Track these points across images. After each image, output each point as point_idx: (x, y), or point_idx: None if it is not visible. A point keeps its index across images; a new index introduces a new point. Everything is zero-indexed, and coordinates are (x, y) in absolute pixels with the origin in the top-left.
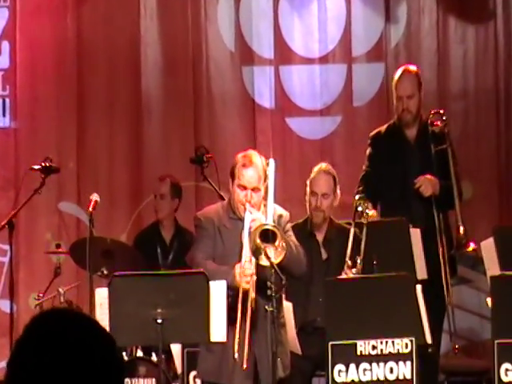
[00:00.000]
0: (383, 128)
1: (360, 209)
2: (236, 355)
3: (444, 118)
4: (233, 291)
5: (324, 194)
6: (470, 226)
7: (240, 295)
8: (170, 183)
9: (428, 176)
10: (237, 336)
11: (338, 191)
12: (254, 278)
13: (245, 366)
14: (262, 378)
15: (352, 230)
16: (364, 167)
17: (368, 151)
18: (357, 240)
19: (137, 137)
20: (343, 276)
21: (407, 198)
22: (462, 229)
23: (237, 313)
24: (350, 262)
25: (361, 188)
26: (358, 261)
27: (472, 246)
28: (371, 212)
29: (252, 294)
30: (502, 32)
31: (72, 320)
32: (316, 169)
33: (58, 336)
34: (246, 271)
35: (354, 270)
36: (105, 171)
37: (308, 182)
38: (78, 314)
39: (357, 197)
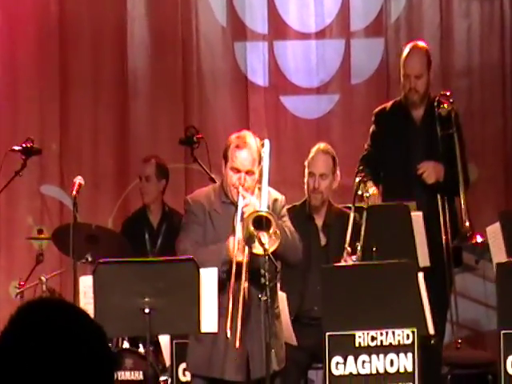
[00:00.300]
0: (388, 105)
1: (360, 192)
2: (228, 333)
3: (451, 101)
4: (226, 267)
5: (322, 174)
6: (475, 211)
7: (233, 269)
8: (156, 164)
9: (432, 162)
10: (229, 314)
11: (338, 172)
12: (247, 258)
13: (237, 344)
14: (255, 371)
15: (352, 215)
16: (366, 146)
17: (371, 128)
18: (356, 225)
19: (123, 117)
20: (342, 263)
21: (409, 182)
22: (467, 223)
23: (229, 290)
24: (349, 249)
25: (361, 167)
26: (358, 247)
27: (479, 238)
28: (372, 190)
29: (245, 284)
30: (508, 4)
31: (60, 310)
32: (314, 149)
33: (45, 327)
34: (239, 246)
35: (353, 258)
36: (89, 153)
37: (306, 163)
38: (66, 304)
39: (357, 179)
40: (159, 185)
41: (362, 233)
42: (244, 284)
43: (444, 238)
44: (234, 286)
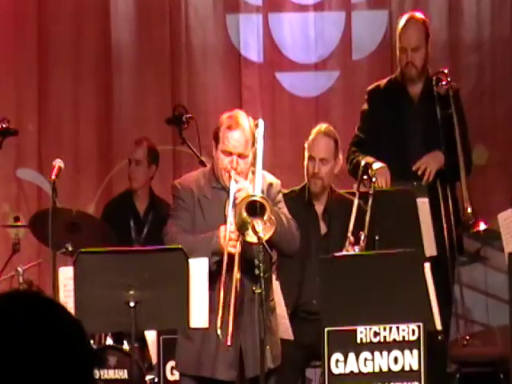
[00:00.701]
0: (383, 82)
1: (365, 177)
2: (219, 331)
3: (449, 79)
4: (217, 258)
5: (323, 159)
6: (485, 196)
7: (225, 261)
8: (147, 147)
9: (429, 155)
10: (220, 308)
11: (341, 156)
12: (239, 248)
13: (229, 343)
14: (248, 369)
15: (356, 201)
16: (356, 128)
17: (363, 107)
18: (361, 213)
19: (106, 95)
20: (343, 253)
21: (406, 166)
22: (469, 209)
23: (221, 282)
24: (352, 238)
25: (355, 152)
26: (362, 237)
27: (482, 225)
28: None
29: (237, 275)
30: None
31: (36, 304)
32: (315, 130)
33: (19, 322)
34: (231, 236)
35: (356, 248)
36: (70, 134)
37: (306, 145)
38: (43, 297)
39: (362, 162)
40: (149, 171)
41: (367, 221)
42: (236, 275)
43: (446, 226)
44: (225, 278)
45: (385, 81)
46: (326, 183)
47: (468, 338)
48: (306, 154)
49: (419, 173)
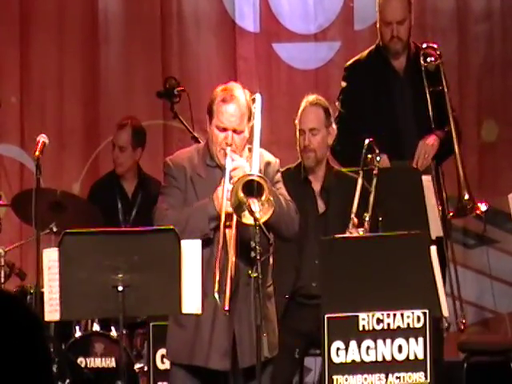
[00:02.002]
0: (362, 56)
1: (370, 155)
2: (216, 295)
3: (439, 53)
4: (216, 224)
5: (312, 129)
6: (494, 174)
7: (222, 222)
8: (132, 130)
9: (423, 144)
10: (217, 273)
11: (334, 126)
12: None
13: (226, 307)
14: (243, 358)
15: (360, 181)
16: (338, 106)
17: (343, 86)
18: (363, 193)
19: (92, 66)
20: (345, 235)
21: (397, 139)
22: (466, 196)
23: (218, 246)
24: (356, 220)
25: (339, 142)
26: (366, 218)
27: (483, 206)
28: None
29: (232, 259)
30: None
31: None
32: (303, 102)
33: None
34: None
35: (360, 231)
36: (54, 107)
37: (296, 121)
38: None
39: (366, 141)
40: (134, 154)
41: (371, 201)
42: (232, 258)
43: (440, 207)
44: (223, 242)
45: (364, 54)
46: (320, 155)
47: (464, 321)
48: (297, 129)
49: (419, 163)
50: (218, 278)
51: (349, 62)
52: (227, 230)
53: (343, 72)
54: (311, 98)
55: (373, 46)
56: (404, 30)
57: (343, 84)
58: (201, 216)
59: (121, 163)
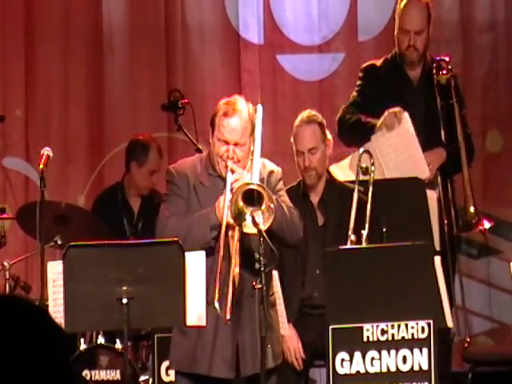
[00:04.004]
0: (378, 62)
1: (364, 165)
2: (217, 304)
3: (450, 67)
4: (217, 233)
5: (311, 149)
6: (499, 184)
7: (222, 233)
8: (157, 149)
9: (431, 154)
10: (217, 281)
11: (330, 136)
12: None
13: (228, 316)
14: (246, 368)
15: (355, 194)
16: (353, 95)
17: (359, 83)
18: (361, 204)
19: (97, 79)
20: (349, 246)
21: None
22: (472, 209)
23: (219, 256)
24: (353, 237)
25: (349, 112)
26: (364, 235)
27: (486, 224)
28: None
29: (235, 270)
30: None
31: (10, 307)
32: (297, 122)
33: None
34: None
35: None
36: (58, 120)
37: (292, 140)
38: (19, 299)
39: (361, 150)
40: None
41: (368, 211)
42: (234, 269)
43: (446, 221)
44: (223, 251)
45: (380, 61)
46: (321, 171)
47: (468, 340)
48: (294, 149)
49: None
50: (218, 287)
51: (365, 64)
52: (230, 240)
53: (359, 72)
54: (305, 115)
55: (389, 54)
56: (421, 40)
57: (360, 83)
58: (202, 225)
59: (148, 186)
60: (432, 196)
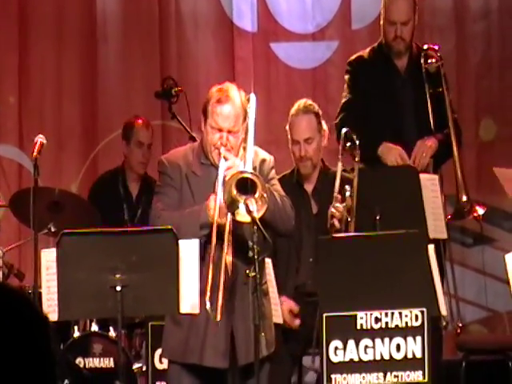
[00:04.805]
0: (365, 52)
1: (348, 144)
2: (208, 304)
3: (439, 55)
4: (206, 232)
5: (307, 139)
6: (492, 172)
7: (214, 233)
8: (152, 130)
9: (421, 145)
10: (209, 282)
11: (325, 126)
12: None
13: (218, 317)
14: (240, 356)
15: (339, 167)
16: (344, 94)
17: (347, 78)
18: (346, 181)
19: (90, 67)
20: (332, 210)
21: (399, 139)
22: (464, 197)
23: (210, 256)
24: (339, 196)
25: (343, 115)
26: (347, 193)
27: (480, 210)
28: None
29: (228, 258)
30: None
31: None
32: (293, 110)
33: None
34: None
35: (342, 205)
36: (52, 108)
37: (287, 128)
38: (7, 288)
39: (343, 130)
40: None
41: (355, 187)
42: (227, 257)
43: None
44: (214, 252)
45: (367, 51)
46: (316, 161)
47: (461, 325)
48: (289, 137)
49: (417, 162)
50: (210, 282)
51: (352, 57)
52: (222, 229)
53: (346, 66)
54: (301, 104)
55: (375, 44)
56: (408, 30)
57: (348, 77)
58: (192, 223)
59: (146, 162)
60: (429, 180)
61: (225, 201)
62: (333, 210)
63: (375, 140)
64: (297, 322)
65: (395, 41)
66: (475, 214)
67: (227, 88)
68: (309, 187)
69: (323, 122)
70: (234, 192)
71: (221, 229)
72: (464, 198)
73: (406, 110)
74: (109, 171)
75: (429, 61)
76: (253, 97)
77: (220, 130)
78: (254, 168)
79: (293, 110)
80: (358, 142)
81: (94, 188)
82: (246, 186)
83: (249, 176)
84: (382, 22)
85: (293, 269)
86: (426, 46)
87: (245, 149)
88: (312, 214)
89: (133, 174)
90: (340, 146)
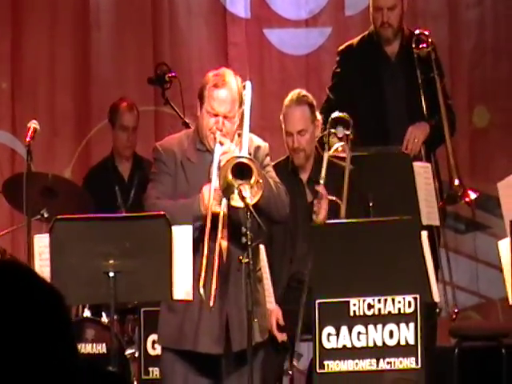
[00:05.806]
0: (355, 41)
1: (333, 130)
2: (202, 290)
3: (430, 40)
4: (200, 223)
5: (300, 131)
6: (486, 160)
7: (209, 221)
8: (136, 111)
9: (413, 130)
10: (203, 269)
11: (319, 117)
12: (225, 206)
13: (211, 303)
14: (235, 342)
15: (325, 157)
16: (328, 90)
17: (335, 69)
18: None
19: (84, 52)
20: (318, 188)
21: (388, 128)
22: (456, 182)
23: (204, 245)
24: (322, 192)
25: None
26: (321, 181)
27: (472, 195)
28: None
29: (222, 244)
30: None
31: (6, 271)
32: (286, 101)
33: None
34: (216, 196)
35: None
36: (45, 93)
37: (281, 118)
38: (15, 263)
39: (333, 115)
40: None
41: (346, 177)
42: (220, 242)
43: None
44: (209, 244)
45: (357, 39)
46: (309, 151)
47: (456, 310)
48: (283, 128)
49: (409, 147)
50: (203, 275)
51: (341, 47)
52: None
53: (336, 56)
54: (295, 94)
55: (366, 32)
56: (395, 16)
57: (336, 68)
58: (185, 215)
59: (131, 145)
60: (422, 168)
61: (220, 186)
62: (315, 208)
63: (359, 128)
64: (284, 337)
65: (382, 27)
66: (467, 199)
67: (224, 73)
68: (304, 176)
69: (317, 113)
70: (230, 177)
71: (215, 218)
72: (456, 182)
73: (395, 97)
74: (100, 161)
75: (420, 46)
76: (248, 84)
77: (216, 115)
78: (249, 154)
79: (286, 101)
80: (348, 132)
81: (88, 177)
82: (241, 171)
83: (245, 161)
84: (370, 10)
85: (287, 257)
86: (417, 31)
87: (240, 135)
88: (307, 202)
89: (120, 157)
90: (326, 133)
